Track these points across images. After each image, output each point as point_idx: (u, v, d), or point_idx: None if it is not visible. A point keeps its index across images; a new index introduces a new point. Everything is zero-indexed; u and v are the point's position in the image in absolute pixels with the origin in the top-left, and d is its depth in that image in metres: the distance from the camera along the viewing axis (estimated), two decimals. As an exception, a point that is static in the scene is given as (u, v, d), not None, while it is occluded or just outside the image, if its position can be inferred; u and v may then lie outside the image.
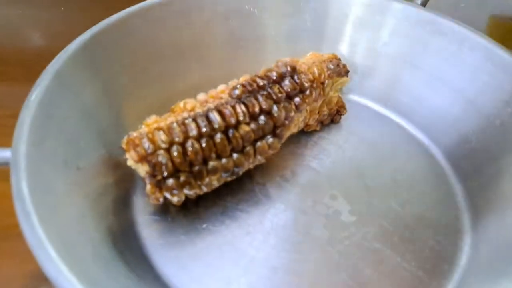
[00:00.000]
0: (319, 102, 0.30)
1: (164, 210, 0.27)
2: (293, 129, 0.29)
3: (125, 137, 0.24)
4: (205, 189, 0.26)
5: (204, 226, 0.26)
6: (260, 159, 0.27)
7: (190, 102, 0.26)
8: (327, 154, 0.31)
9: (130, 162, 0.24)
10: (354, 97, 0.35)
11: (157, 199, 0.25)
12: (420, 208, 0.28)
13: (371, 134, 0.32)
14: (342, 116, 0.33)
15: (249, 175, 0.29)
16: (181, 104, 0.26)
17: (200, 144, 0.24)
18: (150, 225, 0.26)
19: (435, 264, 0.25)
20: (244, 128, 0.25)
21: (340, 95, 0.32)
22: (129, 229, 0.26)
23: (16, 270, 0.24)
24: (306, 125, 0.31)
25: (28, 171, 0.20)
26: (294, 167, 0.30)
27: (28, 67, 0.35)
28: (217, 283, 0.24)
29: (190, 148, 0.24)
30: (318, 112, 0.31)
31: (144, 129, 0.24)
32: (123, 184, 0.27)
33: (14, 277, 0.23)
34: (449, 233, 0.27)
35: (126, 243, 0.25)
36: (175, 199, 0.25)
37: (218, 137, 0.25)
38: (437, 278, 0.25)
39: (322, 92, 0.29)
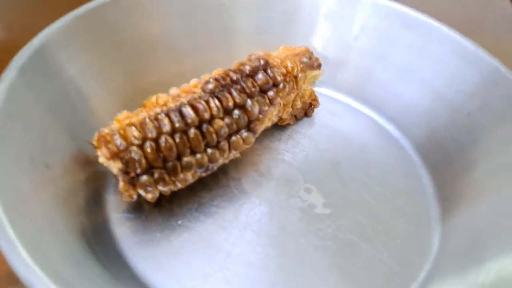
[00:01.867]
0: (293, 96, 0.30)
1: (138, 208, 0.26)
2: (267, 123, 0.29)
3: (96, 134, 0.23)
4: (179, 185, 0.25)
5: (179, 222, 0.26)
6: (234, 153, 0.27)
7: (162, 97, 0.25)
8: (301, 148, 0.31)
9: (101, 159, 0.24)
10: (326, 90, 0.35)
11: (131, 196, 0.24)
12: (392, 200, 0.28)
13: (344, 127, 0.33)
14: (315, 110, 0.33)
15: (223, 170, 0.29)
16: (153, 98, 0.25)
17: (174, 140, 0.24)
18: (124, 223, 0.25)
19: (407, 255, 0.26)
20: (218, 123, 0.25)
21: (313, 89, 0.32)
22: (102, 228, 0.25)
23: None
24: (280, 118, 0.31)
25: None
26: (268, 161, 0.30)
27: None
28: (194, 280, 0.23)
29: (163, 144, 0.23)
30: (292, 106, 0.31)
31: (115, 125, 0.24)
32: (95, 182, 0.27)
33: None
34: (420, 224, 0.27)
35: (99, 242, 0.24)
36: (149, 196, 0.24)
37: (192, 132, 0.24)
38: (409, 269, 0.25)
39: (295, 86, 0.29)
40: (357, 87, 0.34)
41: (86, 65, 0.28)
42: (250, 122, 0.27)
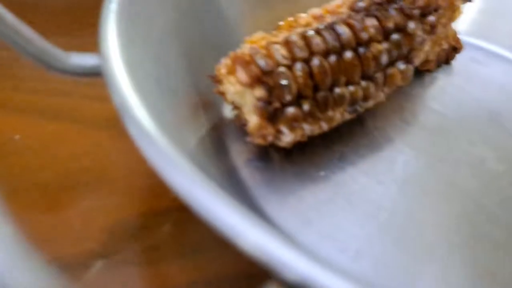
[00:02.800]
0: (445, 30, 0.24)
1: (266, 157, 0.21)
2: (417, 61, 0.23)
3: (225, 59, 0.18)
4: (324, 127, 0.20)
5: (321, 173, 0.20)
6: (384, 92, 0.22)
7: (303, 18, 0.20)
8: (450, 96, 0.25)
9: (233, 89, 0.19)
10: (466, 37, 0.29)
11: (265, 138, 0.19)
12: None
13: (497, 76, 0.27)
14: (457, 58, 0.27)
15: (359, 119, 0.23)
16: (291, 19, 0.20)
17: (329, 63, 0.19)
18: (254, 173, 0.20)
19: None
20: (377, 47, 0.20)
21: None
22: (231, 176, 0.20)
23: (89, 223, 0.18)
24: (425, 60, 0.25)
25: (129, 79, 0.15)
26: (414, 109, 0.24)
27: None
28: (355, 240, 0.18)
29: (317, 67, 0.18)
30: (439, 45, 0.25)
31: (250, 46, 0.19)
32: (214, 125, 0.22)
33: (86, 231, 0.18)
34: None
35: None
36: (287, 139, 0.19)
37: (349, 55, 0.19)
38: None
39: (452, 16, 0.23)
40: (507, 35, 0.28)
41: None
42: (410, 51, 0.21)
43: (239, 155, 0.21)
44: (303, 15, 0.20)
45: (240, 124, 0.20)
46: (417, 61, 0.23)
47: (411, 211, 0.19)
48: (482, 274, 0.18)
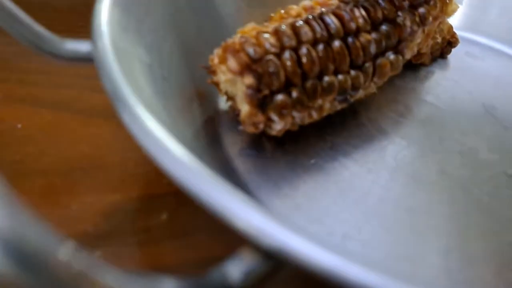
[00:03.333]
0: (437, 22, 0.24)
1: (259, 146, 0.22)
2: (409, 56, 0.24)
3: (216, 49, 0.19)
4: (314, 115, 0.21)
5: (312, 161, 0.21)
6: (375, 83, 0.22)
7: (294, 9, 0.21)
8: (444, 89, 0.26)
9: (225, 77, 0.19)
10: (462, 32, 0.29)
11: (256, 126, 0.19)
12: None
13: (492, 70, 0.27)
14: (452, 51, 0.28)
15: (354, 110, 0.24)
16: (282, 11, 0.21)
17: (317, 51, 0.19)
18: (246, 161, 0.21)
19: None
20: (366, 37, 0.20)
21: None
22: (223, 164, 0.20)
23: (85, 206, 0.19)
24: (418, 53, 0.25)
25: (120, 66, 0.15)
26: (407, 101, 0.25)
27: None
28: (343, 225, 0.18)
29: (305, 55, 0.19)
30: (432, 38, 0.25)
31: (241, 36, 0.19)
32: (206, 114, 0.22)
33: (82, 213, 0.18)
34: None
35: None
36: (277, 126, 0.20)
37: (337, 44, 0.19)
38: None
39: (443, 8, 0.24)
40: (503, 29, 0.29)
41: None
42: (399, 41, 0.21)
43: (232, 144, 0.21)
44: (294, 7, 0.21)
45: (234, 114, 0.21)
46: (409, 53, 0.23)
47: (400, 198, 0.20)
48: (471, 259, 0.18)
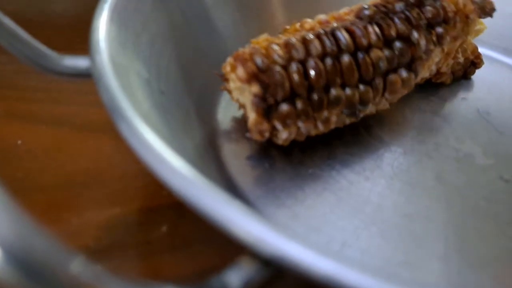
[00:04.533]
0: (458, 42, 0.24)
1: (257, 158, 0.22)
2: (425, 73, 0.24)
3: (230, 58, 0.19)
4: (320, 128, 0.21)
5: (310, 171, 0.21)
6: (386, 99, 0.22)
7: (308, 22, 0.21)
8: (438, 96, 0.26)
9: (234, 85, 0.20)
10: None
11: (262, 134, 0.20)
12: None
13: (488, 76, 0.27)
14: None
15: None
16: (297, 24, 0.21)
17: (324, 65, 0.19)
18: (244, 171, 0.21)
19: None
20: (377, 53, 0.20)
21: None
22: (219, 174, 0.20)
23: (85, 220, 0.19)
24: (438, 72, 0.26)
25: (118, 80, 0.15)
26: (403, 109, 0.25)
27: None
28: (341, 233, 0.19)
29: (312, 68, 0.19)
30: (453, 57, 0.25)
31: (253, 46, 0.20)
32: (205, 127, 0.22)
33: (83, 228, 0.19)
34: None
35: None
36: (283, 135, 0.20)
37: (346, 59, 0.20)
38: None
39: (465, 29, 0.24)
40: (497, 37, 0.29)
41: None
42: (413, 59, 0.22)
43: (231, 156, 0.22)
44: (309, 20, 0.21)
45: (244, 122, 0.21)
46: (424, 71, 0.23)
47: (398, 205, 0.20)
48: (469, 264, 0.18)
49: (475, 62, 0.27)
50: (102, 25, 0.17)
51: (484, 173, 0.21)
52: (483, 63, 0.27)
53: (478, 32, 0.26)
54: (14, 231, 0.08)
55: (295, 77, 0.19)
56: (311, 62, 0.19)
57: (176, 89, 0.21)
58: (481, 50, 0.28)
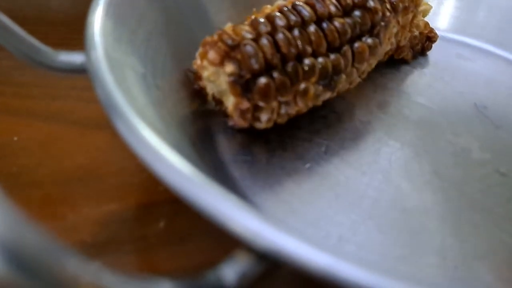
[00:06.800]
0: (410, 15, 0.25)
1: (253, 152, 0.22)
2: (387, 44, 0.24)
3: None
4: (300, 103, 0.20)
5: (307, 166, 0.21)
6: (357, 70, 0.22)
7: (269, 8, 0.21)
8: (435, 90, 0.26)
9: (208, 73, 0.20)
10: (451, 34, 0.30)
11: (244, 116, 0.19)
12: None
13: (483, 71, 0.27)
14: (443, 55, 0.28)
15: (348, 112, 0.24)
16: (258, 12, 0.21)
17: (292, 35, 0.19)
18: (242, 166, 0.21)
19: None
20: (339, 20, 0.21)
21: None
22: (216, 170, 0.20)
23: (81, 216, 0.19)
24: (398, 47, 0.26)
25: (113, 75, 0.15)
26: (400, 104, 0.25)
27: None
28: (339, 227, 0.18)
29: (281, 38, 0.19)
30: (409, 30, 0.26)
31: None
32: (200, 119, 0.22)
33: (79, 224, 0.19)
34: None
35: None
36: (264, 116, 0.20)
37: (312, 28, 0.20)
38: None
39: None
40: (492, 30, 0.29)
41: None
42: (373, 25, 0.22)
43: (227, 150, 0.21)
44: (269, 6, 0.21)
45: (226, 119, 0.21)
46: (385, 42, 0.23)
47: (395, 199, 0.20)
48: (466, 258, 0.18)
49: (430, 36, 0.28)
50: (97, 20, 0.17)
51: (481, 167, 0.21)
52: (437, 36, 0.28)
53: (426, 12, 0.27)
54: (8, 227, 0.08)
55: (267, 48, 0.19)
56: (279, 34, 0.19)
57: (172, 84, 0.21)
58: (477, 44, 0.28)
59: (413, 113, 0.24)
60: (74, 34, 0.29)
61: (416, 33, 0.27)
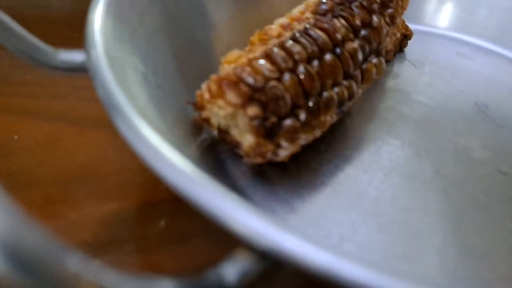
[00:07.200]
0: (400, 20, 0.25)
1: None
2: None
3: (205, 84, 0.18)
4: (317, 133, 0.20)
5: (307, 165, 0.21)
6: (362, 88, 0.22)
7: (273, 29, 0.20)
8: (436, 89, 0.26)
9: (222, 113, 0.18)
10: (450, 32, 0.30)
11: (263, 155, 0.18)
12: None
13: (483, 70, 0.27)
14: (443, 54, 0.28)
15: (348, 111, 0.24)
16: (262, 33, 0.20)
17: (313, 68, 0.19)
18: (242, 165, 0.21)
19: None
20: (351, 45, 0.20)
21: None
22: (216, 168, 0.20)
23: (82, 215, 0.19)
24: (386, 52, 0.26)
25: (114, 74, 0.15)
26: (401, 103, 0.25)
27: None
28: (339, 227, 0.18)
29: (303, 74, 0.18)
30: (394, 34, 0.27)
31: (231, 66, 0.18)
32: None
33: (79, 223, 0.19)
34: None
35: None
36: (284, 152, 0.19)
37: (328, 57, 0.19)
38: None
39: (404, 4, 0.24)
40: (492, 29, 0.29)
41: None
42: (379, 44, 0.22)
43: (228, 149, 0.21)
44: (272, 26, 0.20)
45: (231, 147, 0.20)
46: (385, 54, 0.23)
47: (396, 198, 0.20)
48: (467, 256, 0.18)
49: (406, 34, 0.28)
50: (98, 19, 0.17)
51: (482, 166, 0.21)
52: (413, 33, 0.28)
53: (405, 7, 0.26)
54: (8, 226, 0.08)
55: (292, 89, 0.18)
56: (301, 68, 0.18)
57: (173, 83, 0.21)
58: (478, 42, 0.28)
59: (413, 112, 0.24)
60: (74, 32, 0.29)
61: (398, 35, 0.27)
